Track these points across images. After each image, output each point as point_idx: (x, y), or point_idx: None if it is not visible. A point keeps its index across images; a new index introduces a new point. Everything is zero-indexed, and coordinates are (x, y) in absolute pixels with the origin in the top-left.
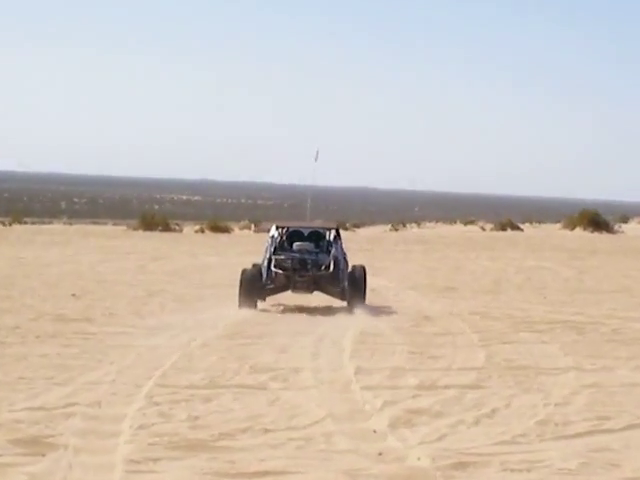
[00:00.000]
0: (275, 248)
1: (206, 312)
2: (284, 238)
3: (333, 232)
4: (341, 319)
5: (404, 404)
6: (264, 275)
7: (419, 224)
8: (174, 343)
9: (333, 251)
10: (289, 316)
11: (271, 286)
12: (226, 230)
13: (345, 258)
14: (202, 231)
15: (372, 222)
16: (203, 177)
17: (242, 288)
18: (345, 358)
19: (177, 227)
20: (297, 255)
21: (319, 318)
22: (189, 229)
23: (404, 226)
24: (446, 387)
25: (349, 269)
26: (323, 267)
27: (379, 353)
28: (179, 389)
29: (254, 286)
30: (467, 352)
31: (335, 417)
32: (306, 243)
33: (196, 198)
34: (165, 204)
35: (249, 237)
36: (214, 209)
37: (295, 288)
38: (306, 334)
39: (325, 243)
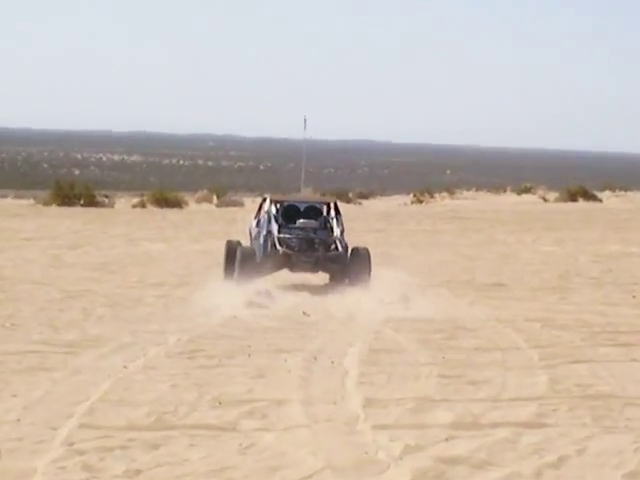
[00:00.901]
0: (279, 225)
1: (150, 321)
2: (279, 214)
3: (332, 207)
4: (343, 329)
5: (434, 450)
6: (259, 253)
7: (452, 194)
8: (105, 365)
9: (336, 229)
10: (270, 325)
11: (268, 265)
12: (177, 204)
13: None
14: (142, 206)
15: (384, 191)
16: (142, 129)
17: (239, 266)
18: (349, 385)
19: (107, 200)
20: (303, 234)
21: (312, 327)
22: (124, 203)
23: (431, 197)
24: (494, 425)
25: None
26: (332, 247)
27: (397, 377)
28: (112, 431)
29: (251, 265)
30: (523, 375)
31: (336, 469)
32: (309, 220)
33: (133, 158)
34: (89, 167)
35: (209, 213)
36: (159, 174)
37: (297, 268)
38: (294, 351)
39: (323, 219)
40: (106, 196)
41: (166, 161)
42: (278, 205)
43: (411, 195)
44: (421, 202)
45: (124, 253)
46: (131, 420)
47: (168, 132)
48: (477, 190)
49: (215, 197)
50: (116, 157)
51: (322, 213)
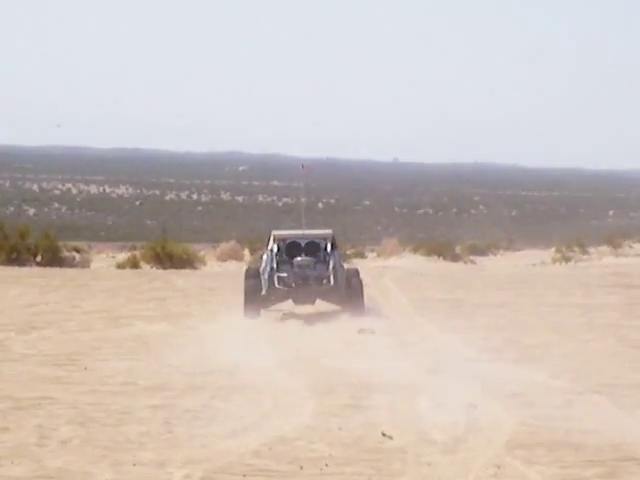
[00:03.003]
0: (277, 263)
1: (143, 447)
2: (283, 250)
3: (329, 241)
4: (444, 460)
5: None
6: (265, 287)
7: (616, 247)
8: None
9: (332, 262)
10: (330, 453)
11: (272, 298)
12: (188, 262)
13: (341, 264)
14: (134, 265)
15: (512, 243)
16: (134, 146)
17: (246, 298)
18: None
19: (78, 257)
20: (299, 271)
21: (395, 457)
22: (105, 261)
23: (583, 252)
24: None
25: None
26: (324, 281)
27: None
28: None
29: (257, 296)
30: None
31: None
32: (306, 258)
33: (120, 191)
34: (51, 205)
35: (239, 276)
36: (160, 215)
37: (297, 301)
38: None
39: (322, 254)
40: (77, 250)
41: (171, 195)
42: (281, 242)
43: (553, 250)
44: (568, 261)
45: (104, 339)
46: None
47: (173, 151)
48: None
49: (247, 252)
50: (93, 189)
51: (321, 248)
